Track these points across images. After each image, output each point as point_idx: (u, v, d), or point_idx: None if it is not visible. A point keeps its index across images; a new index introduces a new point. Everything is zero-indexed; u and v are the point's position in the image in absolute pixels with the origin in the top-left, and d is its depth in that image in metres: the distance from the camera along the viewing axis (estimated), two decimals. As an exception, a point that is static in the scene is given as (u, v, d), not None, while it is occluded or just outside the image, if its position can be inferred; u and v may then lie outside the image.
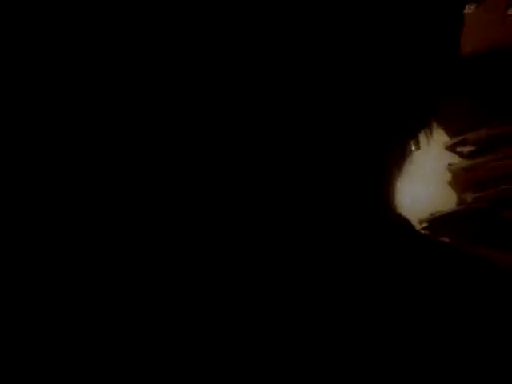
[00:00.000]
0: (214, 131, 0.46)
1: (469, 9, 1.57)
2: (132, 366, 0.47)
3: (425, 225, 1.85)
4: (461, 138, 1.90)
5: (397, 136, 0.51)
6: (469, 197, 1.88)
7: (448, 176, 1.94)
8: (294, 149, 0.46)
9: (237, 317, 0.47)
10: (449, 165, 1.93)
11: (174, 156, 0.47)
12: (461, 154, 1.93)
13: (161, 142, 0.47)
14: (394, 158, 0.51)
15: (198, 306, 0.48)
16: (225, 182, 0.47)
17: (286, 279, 0.48)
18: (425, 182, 1.90)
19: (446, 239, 1.83)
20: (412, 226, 0.53)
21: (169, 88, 0.47)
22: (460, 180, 1.91)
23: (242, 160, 0.46)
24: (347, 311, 0.47)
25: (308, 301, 0.47)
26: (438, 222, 1.87)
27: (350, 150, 0.48)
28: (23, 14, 0.47)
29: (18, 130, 0.49)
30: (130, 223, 0.49)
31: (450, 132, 1.91)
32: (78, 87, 0.48)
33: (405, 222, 0.53)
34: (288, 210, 0.47)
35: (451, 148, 1.93)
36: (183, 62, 0.46)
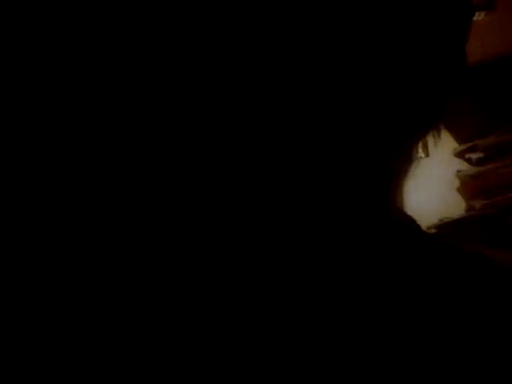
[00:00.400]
0: (216, 132, 0.47)
1: (478, 16, 1.57)
2: (132, 366, 0.47)
3: (433, 231, 1.85)
4: (470, 144, 1.90)
5: (404, 140, 0.51)
6: (477, 203, 1.88)
7: (457, 182, 1.94)
8: (304, 151, 0.47)
9: (237, 317, 0.48)
10: (457, 171, 1.93)
11: (174, 156, 0.47)
12: (470, 161, 1.93)
13: (161, 142, 0.47)
14: (402, 162, 0.52)
15: (198, 307, 0.48)
16: (228, 183, 0.47)
17: (291, 279, 0.48)
18: (434, 188, 1.90)
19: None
20: (419, 228, 0.53)
21: (169, 88, 0.47)
22: (469, 187, 1.91)
23: (247, 161, 0.47)
24: (355, 311, 0.47)
25: (313, 301, 0.47)
26: (446, 228, 1.87)
27: (359, 154, 0.48)
28: (23, 14, 0.47)
29: (18, 130, 0.49)
30: (130, 223, 0.49)
31: (459, 138, 1.91)
32: (78, 87, 0.48)
33: (412, 224, 0.53)
34: (295, 214, 0.48)
35: (460, 154, 1.93)
36: (183, 62, 0.46)
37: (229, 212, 0.47)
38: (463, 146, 1.92)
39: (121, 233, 0.49)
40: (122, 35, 0.46)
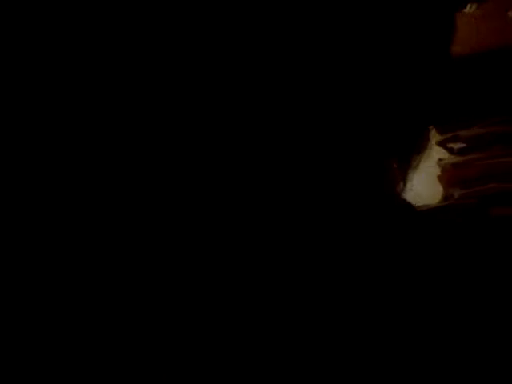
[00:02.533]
0: (219, 131, 0.48)
1: (470, 8, 1.58)
2: (132, 365, 0.49)
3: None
4: (452, 134, 1.92)
5: (412, 132, 0.52)
6: (456, 193, 1.90)
7: (437, 171, 1.95)
8: (303, 146, 0.48)
9: (237, 314, 0.49)
10: (439, 160, 1.94)
11: (175, 156, 0.49)
12: (451, 150, 1.94)
13: (161, 142, 0.49)
14: (409, 153, 0.53)
15: (198, 306, 0.49)
16: (229, 179, 0.49)
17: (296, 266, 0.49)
18: (414, 176, 1.92)
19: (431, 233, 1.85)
20: (419, 213, 0.55)
21: (169, 88, 0.48)
22: (449, 176, 1.93)
23: (251, 157, 0.48)
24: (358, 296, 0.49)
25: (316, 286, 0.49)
26: (424, 215, 1.89)
27: (353, 145, 0.50)
28: (23, 14, 0.48)
29: (18, 130, 0.51)
30: (130, 223, 0.50)
31: (442, 128, 1.93)
32: (78, 87, 0.49)
33: (412, 210, 0.55)
34: (301, 200, 0.49)
35: (442, 144, 1.95)
36: (183, 63, 0.47)
37: (231, 205, 0.48)
38: (445, 136, 1.93)
39: (121, 232, 0.50)
40: (122, 35, 0.47)
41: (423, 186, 1.95)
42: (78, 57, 0.40)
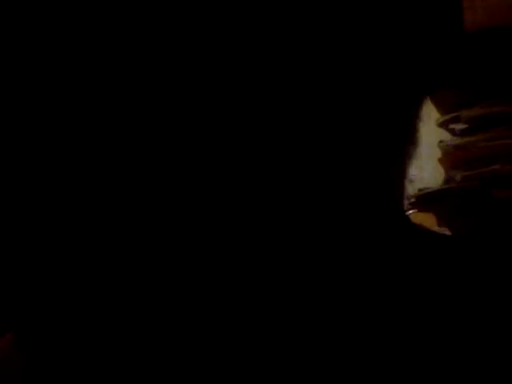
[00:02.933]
0: (218, 132, 0.46)
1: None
2: (132, 365, 0.47)
3: (412, 200, 1.85)
4: (454, 115, 1.89)
5: (398, 114, 0.50)
6: (458, 175, 1.87)
7: (438, 153, 1.93)
8: (293, 133, 0.46)
9: (237, 317, 0.47)
10: (440, 142, 1.92)
11: (175, 156, 0.47)
12: (453, 132, 1.92)
13: (161, 142, 0.47)
14: (405, 146, 0.51)
15: (198, 306, 0.47)
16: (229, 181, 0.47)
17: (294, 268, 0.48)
18: (415, 158, 1.89)
19: (432, 216, 1.83)
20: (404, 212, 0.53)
21: (169, 88, 0.46)
22: (450, 158, 1.90)
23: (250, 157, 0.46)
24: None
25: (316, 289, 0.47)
26: (425, 198, 1.87)
27: (349, 131, 0.47)
28: (23, 14, 0.46)
29: (18, 130, 0.48)
30: (130, 223, 0.48)
31: (443, 109, 1.90)
32: (78, 87, 0.47)
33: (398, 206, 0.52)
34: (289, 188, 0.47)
35: (443, 125, 1.92)
36: (183, 62, 0.45)
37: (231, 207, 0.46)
38: (447, 117, 1.91)
39: (121, 233, 0.48)
40: (122, 35, 0.45)
41: (424, 169, 1.92)
42: (78, 56, 0.39)
